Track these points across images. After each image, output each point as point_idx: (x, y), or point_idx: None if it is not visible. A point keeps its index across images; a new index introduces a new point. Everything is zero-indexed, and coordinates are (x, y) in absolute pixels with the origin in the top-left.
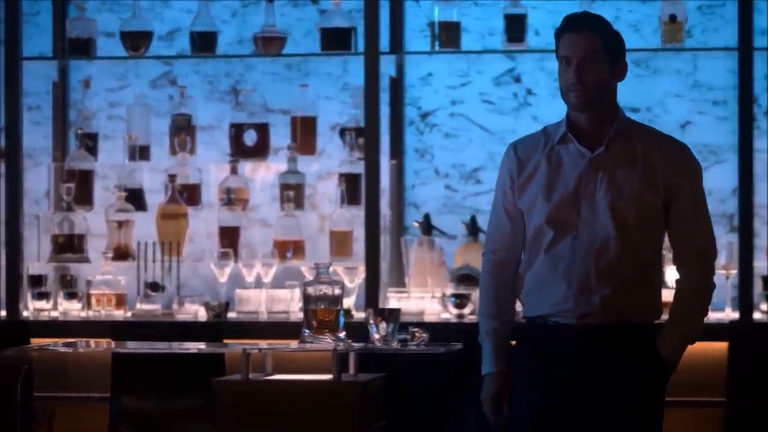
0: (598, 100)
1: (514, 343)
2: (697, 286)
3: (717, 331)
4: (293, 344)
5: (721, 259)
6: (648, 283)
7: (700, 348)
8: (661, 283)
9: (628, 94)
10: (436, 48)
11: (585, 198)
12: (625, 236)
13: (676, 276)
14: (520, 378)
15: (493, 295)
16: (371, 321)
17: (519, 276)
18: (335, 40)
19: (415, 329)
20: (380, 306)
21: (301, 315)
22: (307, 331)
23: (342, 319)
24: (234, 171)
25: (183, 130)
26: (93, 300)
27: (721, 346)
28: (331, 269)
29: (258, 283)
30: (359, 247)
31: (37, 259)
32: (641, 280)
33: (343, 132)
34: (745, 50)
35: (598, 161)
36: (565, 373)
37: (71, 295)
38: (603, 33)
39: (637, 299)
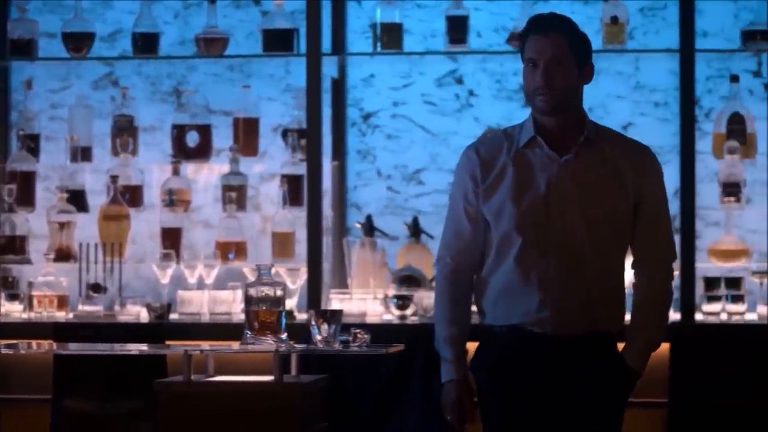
0: (566, 103)
1: (473, 348)
2: (661, 289)
3: None
4: (235, 346)
5: None
6: (617, 291)
7: None
8: (625, 289)
9: None
10: (378, 49)
11: (556, 204)
12: (598, 243)
13: (635, 280)
14: (487, 384)
15: (452, 301)
16: (313, 322)
17: (479, 282)
18: (277, 42)
19: (357, 330)
20: (322, 307)
21: (243, 316)
22: (248, 332)
23: (284, 321)
24: (176, 172)
25: (125, 131)
26: (35, 301)
27: (662, 347)
28: (273, 270)
29: (200, 285)
30: (301, 248)
31: None
32: (613, 288)
33: (285, 133)
34: (686, 52)
35: (568, 167)
36: (533, 381)
37: (13, 297)
38: (570, 35)
39: (610, 307)
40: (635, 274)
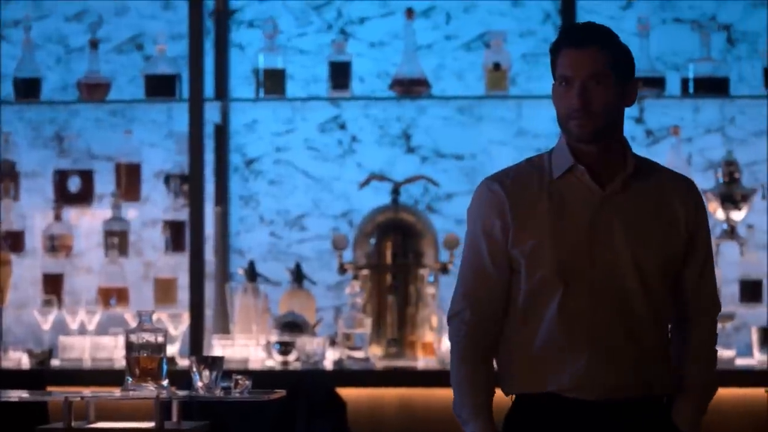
0: (606, 129)
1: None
2: (709, 345)
3: None
4: (117, 392)
5: None
6: (666, 347)
7: None
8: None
9: (452, 141)
10: (261, 95)
11: (600, 244)
12: (650, 290)
13: (679, 335)
14: None
15: (477, 363)
16: (194, 369)
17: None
18: (160, 87)
19: (238, 377)
20: (205, 353)
21: (125, 362)
22: (129, 378)
23: (165, 367)
24: (58, 218)
25: (7, 176)
26: None
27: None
28: (154, 317)
29: (82, 330)
30: (184, 294)
31: None
32: (663, 344)
33: (167, 179)
34: None
35: (614, 201)
36: None
37: None
38: (610, 48)
39: (662, 366)
40: (680, 327)
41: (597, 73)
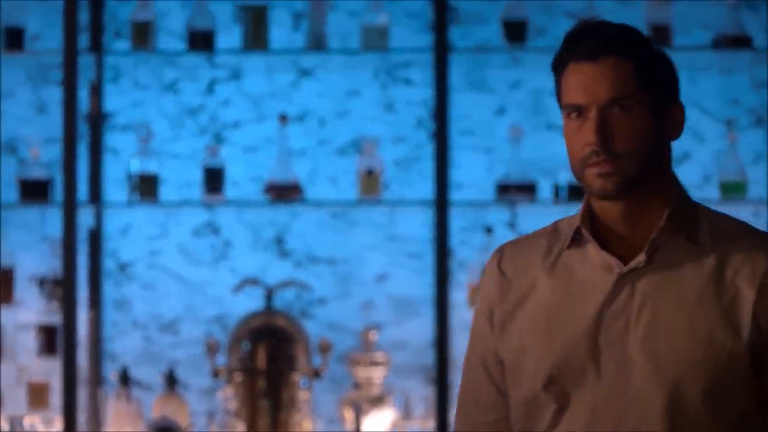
0: (640, 177)
1: None
2: None
3: None
4: None
5: (418, 411)
6: None
7: None
8: None
9: (325, 246)
10: (135, 199)
11: (609, 344)
12: (681, 413)
13: None
14: None
15: None
16: None
17: None
18: (34, 191)
19: None
20: None
21: None
22: None
23: None
24: None
25: None
26: None
27: None
28: (28, 421)
29: None
30: (57, 398)
31: None
32: None
33: (41, 283)
34: (440, 204)
35: (635, 279)
36: None
37: None
38: (639, 57)
39: None
40: None
41: (621, 93)
